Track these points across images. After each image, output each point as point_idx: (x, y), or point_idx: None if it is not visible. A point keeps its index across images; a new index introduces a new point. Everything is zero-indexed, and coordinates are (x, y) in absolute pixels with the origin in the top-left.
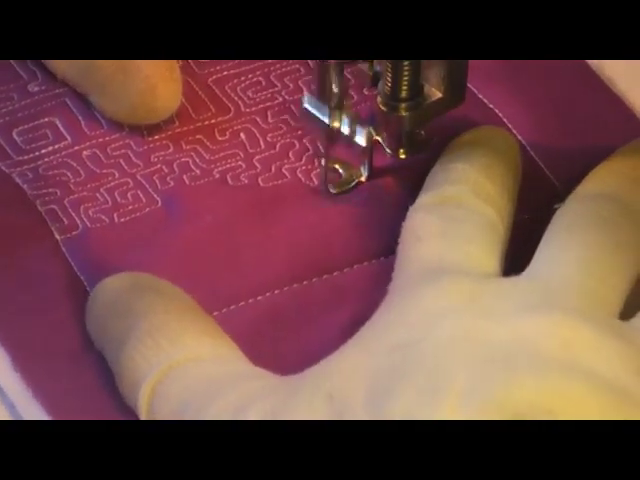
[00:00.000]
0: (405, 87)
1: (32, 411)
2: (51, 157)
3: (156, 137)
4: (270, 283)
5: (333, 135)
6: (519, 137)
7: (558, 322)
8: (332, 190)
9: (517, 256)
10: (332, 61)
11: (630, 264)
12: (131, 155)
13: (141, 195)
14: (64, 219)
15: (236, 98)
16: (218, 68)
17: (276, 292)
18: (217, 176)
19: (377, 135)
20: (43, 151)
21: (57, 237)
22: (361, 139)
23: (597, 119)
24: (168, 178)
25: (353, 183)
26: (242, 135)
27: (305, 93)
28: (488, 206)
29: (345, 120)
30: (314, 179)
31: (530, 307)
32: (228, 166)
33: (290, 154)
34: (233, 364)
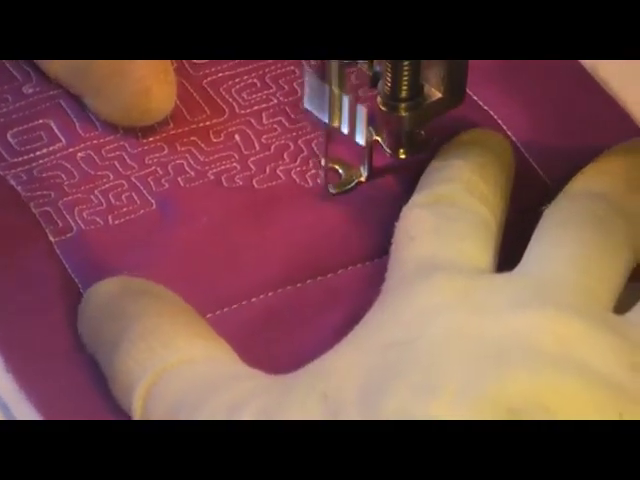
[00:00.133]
0: (405, 87)
1: (25, 412)
2: (45, 159)
3: (151, 139)
4: (265, 284)
5: (331, 134)
6: (513, 137)
7: (551, 317)
8: (332, 190)
9: (510, 254)
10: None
11: (622, 261)
12: (126, 157)
13: (136, 197)
14: (58, 221)
15: (231, 100)
16: (213, 70)
17: (270, 294)
18: (212, 178)
19: (377, 135)
20: (37, 153)
21: (51, 239)
22: (361, 139)
23: (591, 119)
24: (163, 180)
25: (353, 183)
26: (237, 137)
27: (305, 67)
28: (481, 204)
29: (345, 115)
30: (309, 180)
31: (523, 303)
32: (223, 168)
33: (285, 155)
34: (227, 365)
